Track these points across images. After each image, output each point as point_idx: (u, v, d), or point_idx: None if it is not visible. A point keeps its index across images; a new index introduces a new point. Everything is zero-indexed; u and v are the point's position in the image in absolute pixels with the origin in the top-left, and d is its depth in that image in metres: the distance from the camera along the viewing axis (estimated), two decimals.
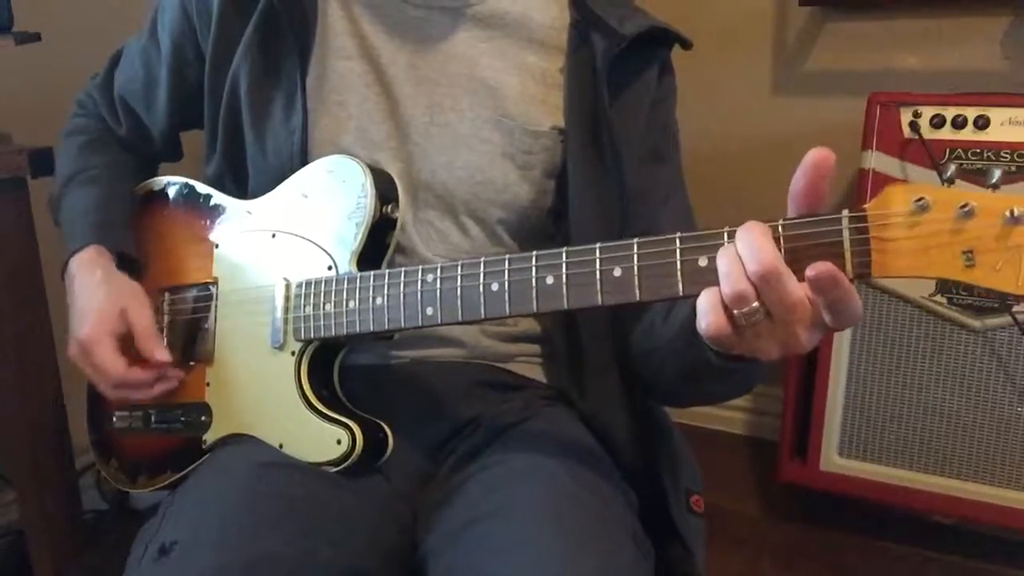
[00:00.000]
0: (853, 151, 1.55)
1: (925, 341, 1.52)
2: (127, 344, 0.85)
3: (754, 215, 0.58)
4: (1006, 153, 1.41)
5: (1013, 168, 1.41)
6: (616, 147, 0.82)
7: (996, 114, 1.42)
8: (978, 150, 1.43)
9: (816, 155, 0.56)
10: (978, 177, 1.40)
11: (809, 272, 0.54)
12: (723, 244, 0.58)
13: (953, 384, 1.52)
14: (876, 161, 1.50)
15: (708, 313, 0.58)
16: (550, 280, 0.65)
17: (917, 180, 1.47)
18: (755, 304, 0.56)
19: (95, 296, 0.85)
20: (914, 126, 1.46)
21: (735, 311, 0.56)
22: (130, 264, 0.91)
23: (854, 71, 1.88)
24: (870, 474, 1.60)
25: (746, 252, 0.56)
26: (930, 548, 1.64)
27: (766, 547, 1.69)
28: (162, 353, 0.84)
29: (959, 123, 1.44)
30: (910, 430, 1.56)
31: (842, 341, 1.59)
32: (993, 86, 1.62)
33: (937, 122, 1.45)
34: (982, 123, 1.43)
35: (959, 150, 1.44)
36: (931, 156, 1.45)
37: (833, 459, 1.63)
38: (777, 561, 1.66)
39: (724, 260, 0.57)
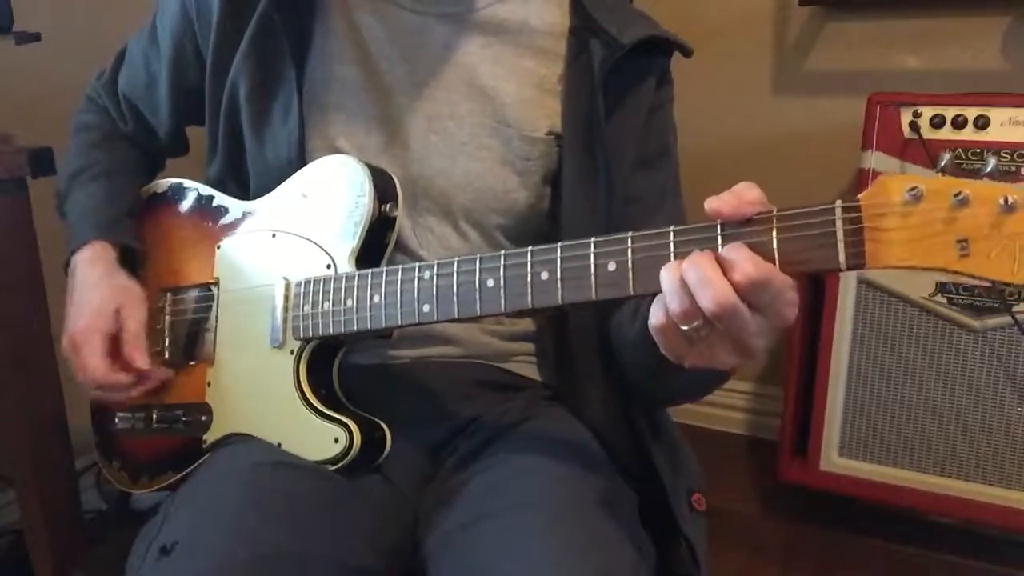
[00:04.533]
0: (853, 151, 1.55)
1: (925, 341, 1.52)
2: (117, 344, 0.85)
3: None
4: (1006, 153, 1.41)
5: (1013, 168, 1.41)
6: (609, 155, 0.82)
7: (996, 114, 1.42)
8: (978, 150, 1.43)
9: (708, 208, 0.58)
10: (978, 178, 1.40)
11: (737, 277, 0.55)
12: (716, 237, 0.58)
13: (953, 384, 1.52)
14: (876, 161, 1.50)
15: (659, 333, 0.60)
16: (545, 275, 0.65)
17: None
18: (699, 322, 0.57)
19: (93, 293, 0.86)
20: (914, 126, 1.46)
21: (683, 327, 0.57)
22: (132, 258, 0.91)
23: (854, 71, 1.88)
24: (870, 474, 1.60)
25: (697, 289, 0.56)
26: (930, 548, 1.64)
27: (766, 547, 1.69)
28: (142, 360, 0.85)
29: (959, 123, 1.44)
30: (910, 430, 1.56)
31: (842, 341, 1.59)
32: (993, 86, 1.62)
33: (937, 122, 1.45)
34: (982, 123, 1.43)
35: (959, 150, 1.44)
36: (931, 156, 1.45)
37: (833, 459, 1.63)
38: (777, 561, 1.66)
39: (667, 279, 0.58)
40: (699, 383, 0.73)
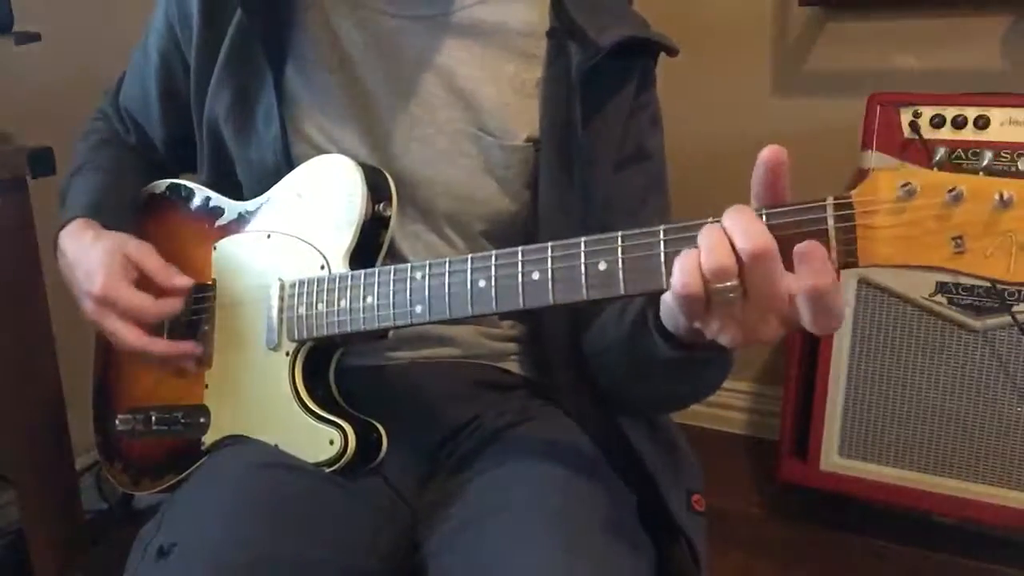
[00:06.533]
0: (853, 151, 1.55)
1: (925, 341, 1.52)
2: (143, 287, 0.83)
3: None
4: (1006, 153, 1.41)
5: (1013, 168, 1.41)
6: (584, 160, 0.80)
7: (996, 114, 1.42)
8: (978, 150, 1.43)
9: (768, 154, 0.55)
10: (976, 172, 1.40)
11: (798, 248, 0.52)
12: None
13: (953, 384, 1.52)
14: (876, 161, 1.50)
15: (685, 274, 0.55)
16: (536, 275, 0.65)
17: None
18: (734, 282, 0.54)
19: (95, 253, 0.83)
20: (914, 126, 1.46)
21: (714, 284, 0.55)
22: None
23: (854, 71, 1.88)
24: (870, 474, 1.60)
25: (738, 230, 0.54)
26: (930, 548, 1.63)
27: (766, 547, 1.69)
28: (182, 279, 0.83)
29: (959, 123, 1.44)
30: (910, 430, 1.56)
31: (842, 341, 1.58)
32: (993, 86, 1.62)
33: (937, 122, 1.45)
34: (982, 123, 1.42)
35: (959, 150, 1.44)
36: (931, 156, 1.45)
37: (833, 459, 1.63)
38: (777, 561, 1.65)
39: (709, 235, 0.55)
40: (686, 384, 0.73)
